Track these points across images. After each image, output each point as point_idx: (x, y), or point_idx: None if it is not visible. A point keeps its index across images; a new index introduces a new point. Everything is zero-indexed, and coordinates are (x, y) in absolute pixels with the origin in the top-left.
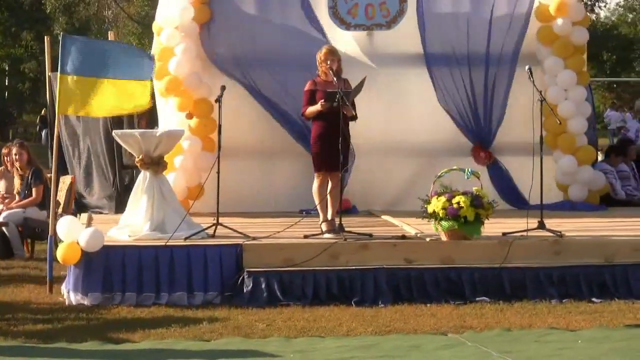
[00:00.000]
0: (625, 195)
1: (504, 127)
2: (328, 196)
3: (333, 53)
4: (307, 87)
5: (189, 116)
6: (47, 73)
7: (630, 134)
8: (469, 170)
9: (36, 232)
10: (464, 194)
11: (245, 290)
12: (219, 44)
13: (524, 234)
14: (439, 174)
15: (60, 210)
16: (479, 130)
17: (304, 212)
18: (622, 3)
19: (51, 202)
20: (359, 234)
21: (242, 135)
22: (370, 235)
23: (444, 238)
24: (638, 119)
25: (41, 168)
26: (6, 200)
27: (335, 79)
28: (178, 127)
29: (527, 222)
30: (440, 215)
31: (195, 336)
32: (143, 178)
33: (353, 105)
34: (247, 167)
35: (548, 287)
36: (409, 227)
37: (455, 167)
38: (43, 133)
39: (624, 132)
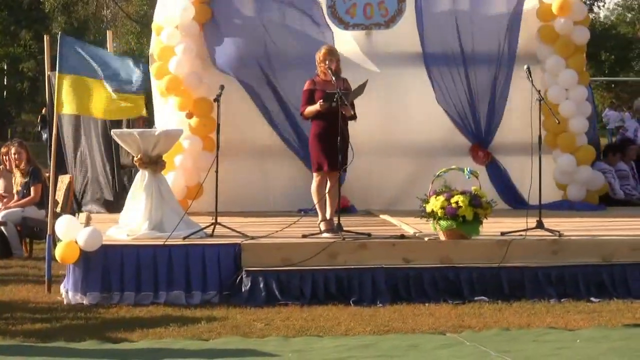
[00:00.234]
0: (624, 194)
1: (502, 126)
2: (327, 195)
3: (332, 53)
4: (306, 86)
5: (189, 115)
6: (47, 72)
7: (629, 134)
8: (468, 169)
9: (35, 231)
10: (463, 193)
11: (243, 290)
12: (219, 43)
13: (523, 233)
14: (437, 174)
15: (58, 209)
16: (478, 130)
17: (302, 212)
18: (620, 2)
19: (49, 202)
20: (357, 233)
21: (241, 135)
22: (369, 234)
23: (442, 238)
24: (637, 118)
25: (40, 167)
26: (5, 200)
27: (334, 78)
28: (177, 127)
29: (527, 222)
30: (439, 214)
31: (194, 335)
32: (141, 177)
33: (352, 105)
34: (246, 166)
35: (546, 287)
36: (408, 226)
37: (453, 167)
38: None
39: (622, 131)
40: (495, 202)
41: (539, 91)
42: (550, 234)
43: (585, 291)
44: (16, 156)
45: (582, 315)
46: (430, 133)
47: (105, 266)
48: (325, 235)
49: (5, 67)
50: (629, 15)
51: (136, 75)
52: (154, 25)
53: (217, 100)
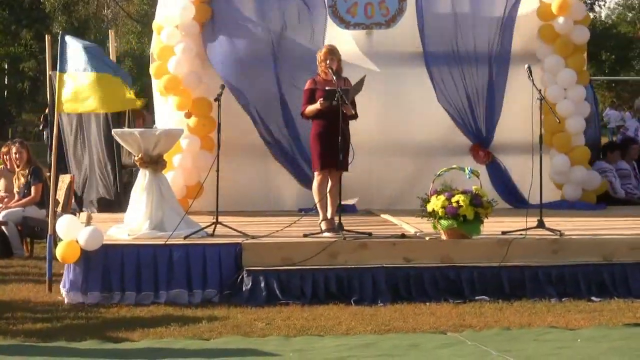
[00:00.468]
0: (625, 194)
1: (503, 126)
2: (327, 195)
3: (333, 52)
4: (307, 86)
5: (188, 115)
6: (48, 72)
7: (630, 133)
8: (469, 169)
9: (35, 231)
10: (464, 192)
11: (244, 289)
12: (219, 43)
13: (523, 233)
14: (438, 173)
15: (59, 209)
16: (478, 130)
17: (303, 212)
18: (621, 2)
19: (50, 201)
20: (358, 232)
21: (241, 134)
22: (370, 234)
23: (443, 237)
24: (637, 117)
25: (40, 167)
26: (5, 200)
27: (334, 78)
28: (177, 126)
29: (527, 221)
30: (440, 214)
31: (195, 335)
32: (142, 177)
33: (353, 103)
34: (247, 166)
35: (547, 286)
36: (409, 226)
37: (454, 166)
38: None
39: (623, 131)
40: (496, 201)
41: (539, 90)
42: (550, 233)
43: (586, 290)
44: (17, 156)
45: (583, 315)
46: (431, 132)
47: (105, 266)
48: (326, 234)
49: (6, 67)
50: (630, 14)
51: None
52: (154, 25)
53: (217, 99)
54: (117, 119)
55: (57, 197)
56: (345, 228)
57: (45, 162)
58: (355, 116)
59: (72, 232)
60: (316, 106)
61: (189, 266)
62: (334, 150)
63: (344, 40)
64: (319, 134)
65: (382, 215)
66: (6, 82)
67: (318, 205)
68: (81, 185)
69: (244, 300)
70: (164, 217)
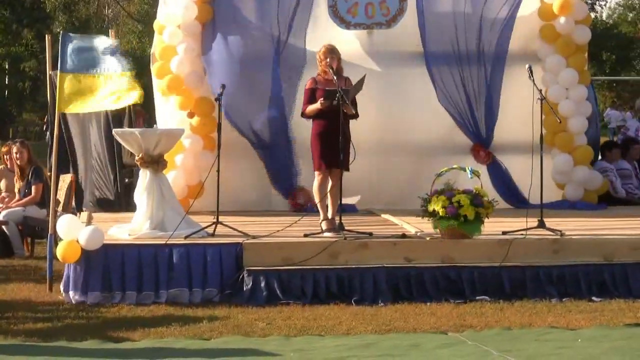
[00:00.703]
0: (626, 193)
1: (503, 126)
2: (328, 194)
3: (332, 51)
4: (307, 85)
5: (190, 115)
6: (48, 72)
7: (630, 133)
8: (470, 168)
9: (36, 230)
10: (464, 192)
11: (245, 289)
12: (219, 43)
13: (524, 233)
14: (439, 173)
15: (60, 208)
16: (479, 129)
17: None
18: (621, 2)
19: (51, 201)
20: (359, 232)
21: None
22: (370, 234)
23: (444, 237)
24: (638, 117)
25: (41, 167)
26: (6, 200)
27: (335, 77)
28: (178, 126)
29: (527, 221)
30: (440, 214)
31: (195, 335)
32: (143, 176)
33: (354, 103)
34: (248, 166)
35: (548, 286)
36: (409, 225)
37: (455, 166)
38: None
39: (623, 130)
40: (496, 201)
41: (540, 90)
42: (551, 233)
43: (587, 290)
44: (18, 155)
45: (584, 315)
46: (432, 132)
47: (106, 265)
48: (326, 234)
49: (7, 67)
50: (630, 14)
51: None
52: (156, 24)
53: (218, 99)
54: (117, 118)
55: (57, 196)
56: (346, 228)
57: (46, 162)
58: (356, 115)
59: (73, 231)
60: (317, 106)
61: (189, 266)
62: (334, 150)
63: (345, 40)
64: (319, 134)
65: (383, 215)
66: (7, 82)
67: (318, 205)
68: (83, 185)
69: (244, 300)
70: (164, 217)
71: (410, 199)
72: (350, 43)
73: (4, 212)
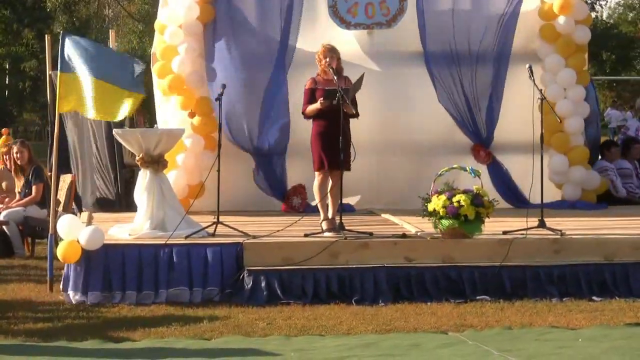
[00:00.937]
0: (627, 193)
1: (504, 125)
2: (328, 194)
3: (331, 51)
4: (307, 85)
5: (192, 115)
6: (48, 72)
7: (630, 132)
8: (470, 168)
9: (36, 230)
10: (465, 192)
11: (245, 289)
12: (220, 43)
13: (524, 232)
14: (439, 173)
15: (60, 208)
16: (479, 129)
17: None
18: (621, 2)
19: (51, 201)
20: (359, 232)
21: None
22: (371, 233)
23: (444, 237)
24: (638, 117)
25: (42, 167)
26: (6, 199)
27: (335, 77)
28: (179, 126)
29: (528, 221)
30: (441, 213)
31: (196, 335)
32: (143, 176)
33: (354, 102)
34: (248, 165)
35: (548, 286)
36: (410, 225)
37: (455, 166)
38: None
39: (624, 130)
40: (497, 201)
41: (540, 90)
42: (552, 233)
43: (587, 290)
44: (18, 155)
45: (584, 314)
46: (432, 132)
47: (106, 265)
48: (327, 234)
49: (7, 67)
50: (631, 14)
51: (136, 71)
52: (157, 24)
53: (218, 99)
54: None
55: (58, 196)
56: (346, 228)
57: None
58: (356, 115)
59: (73, 231)
60: (317, 106)
61: (189, 266)
62: (334, 149)
63: (345, 40)
64: (319, 134)
65: (383, 215)
66: (7, 82)
67: (319, 205)
68: (84, 185)
69: (245, 300)
70: (164, 216)
71: (411, 199)
72: (350, 43)
73: (4, 212)
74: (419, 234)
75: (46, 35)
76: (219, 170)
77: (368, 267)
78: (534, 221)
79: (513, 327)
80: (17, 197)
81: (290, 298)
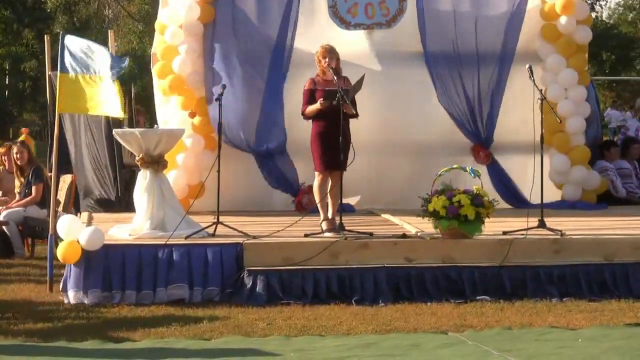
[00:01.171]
0: (627, 193)
1: (504, 126)
2: (328, 195)
3: (330, 51)
4: (306, 86)
5: (192, 115)
6: (47, 72)
7: (630, 133)
8: (470, 168)
9: (36, 230)
10: (465, 192)
11: (245, 289)
12: (221, 44)
13: (524, 232)
14: (439, 173)
15: (60, 209)
16: (479, 130)
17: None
18: (621, 2)
19: (51, 201)
20: (359, 232)
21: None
22: (371, 234)
23: (444, 237)
24: (638, 117)
25: (42, 167)
26: (5, 199)
27: (335, 77)
28: (179, 126)
29: (528, 221)
30: (441, 213)
31: (196, 335)
32: (143, 177)
33: (353, 102)
34: (248, 165)
35: (548, 286)
36: (410, 225)
37: (455, 166)
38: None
39: (624, 130)
40: (497, 201)
41: (540, 90)
42: (552, 233)
43: (587, 290)
44: (18, 156)
45: (584, 315)
46: (432, 132)
47: (106, 266)
48: (327, 234)
49: (7, 67)
50: (631, 14)
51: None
52: (157, 24)
53: (218, 99)
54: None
55: (58, 197)
56: (347, 228)
57: (46, 163)
58: (355, 115)
59: (73, 232)
60: (316, 106)
61: (190, 266)
62: (334, 150)
63: (345, 41)
64: (319, 134)
65: (383, 215)
66: (7, 82)
67: (319, 206)
68: (84, 185)
69: (245, 300)
70: (164, 217)
71: (411, 199)
72: (350, 43)
73: (4, 212)
74: (419, 234)
75: (46, 36)
76: (219, 171)
77: (368, 267)
78: (534, 221)
79: (513, 327)
80: (17, 197)
81: (290, 298)
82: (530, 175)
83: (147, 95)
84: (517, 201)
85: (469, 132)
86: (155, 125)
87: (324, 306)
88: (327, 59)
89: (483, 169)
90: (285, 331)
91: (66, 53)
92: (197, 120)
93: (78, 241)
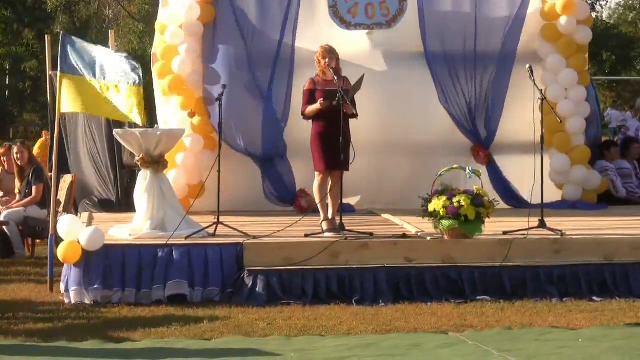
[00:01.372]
0: (627, 193)
1: (504, 126)
2: (328, 195)
3: (330, 52)
4: (306, 86)
5: (192, 114)
6: (48, 72)
7: (630, 133)
8: (470, 168)
9: (37, 231)
10: (465, 192)
11: (245, 289)
12: (221, 44)
13: (525, 232)
14: (439, 173)
15: (60, 209)
16: (479, 130)
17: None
18: (622, 2)
19: (52, 201)
20: (359, 232)
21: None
22: (371, 234)
23: (444, 237)
24: (638, 117)
25: (42, 167)
26: (5, 199)
27: (335, 77)
28: (179, 126)
29: (528, 221)
30: (441, 214)
31: (196, 335)
32: (143, 177)
33: (353, 102)
34: (248, 165)
35: (548, 286)
36: (410, 225)
37: (455, 166)
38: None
39: (624, 130)
40: (497, 201)
41: (541, 90)
42: (552, 233)
43: (587, 290)
44: (18, 156)
45: (584, 315)
46: (432, 133)
47: (107, 266)
48: (327, 234)
49: (8, 67)
50: (631, 15)
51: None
52: (157, 24)
53: (218, 99)
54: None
55: (58, 197)
56: (347, 228)
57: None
58: (355, 115)
59: (74, 232)
60: (316, 106)
61: (190, 266)
62: (335, 150)
63: (345, 41)
64: (319, 134)
65: (383, 215)
66: (7, 82)
67: (319, 206)
68: (83, 185)
69: (245, 300)
70: (165, 217)
71: (411, 199)
72: (350, 43)
73: (4, 213)
74: (419, 234)
75: (46, 36)
76: (219, 171)
77: (368, 268)
78: (534, 221)
79: (513, 327)
80: (17, 197)
81: (291, 298)
82: (530, 175)
83: (147, 95)
84: (517, 201)
85: (469, 133)
86: (156, 125)
87: (324, 306)
88: (327, 59)
89: (483, 169)
90: (285, 331)
91: (71, 54)
92: (196, 120)
93: (78, 241)
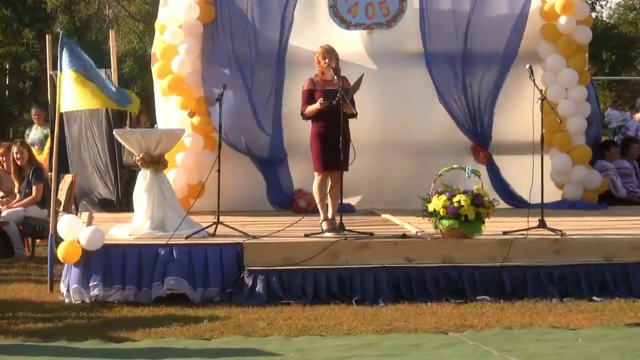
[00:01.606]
0: (627, 193)
1: (504, 126)
2: (328, 195)
3: (330, 52)
4: (305, 86)
5: (191, 114)
6: (48, 72)
7: (630, 133)
8: (470, 168)
9: (37, 230)
10: (465, 192)
11: (245, 289)
12: (221, 44)
13: (525, 232)
14: (439, 173)
15: (60, 209)
16: (479, 130)
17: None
18: (622, 2)
19: (52, 201)
20: (359, 232)
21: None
22: (371, 234)
23: (444, 237)
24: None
25: (42, 167)
26: (5, 199)
27: (335, 77)
28: (179, 126)
29: (528, 221)
30: (441, 213)
31: (196, 335)
32: (143, 177)
33: (353, 102)
34: (248, 165)
35: (548, 286)
36: (410, 225)
37: (455, 166)
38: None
39: (624, 130)
40: (497, 201)
41: (541, 90)
42: (552, 233)
43: (587, 290)
44: (18, 156)
45: (584, 315)
46: (432, 132)
47: (107, 265)
48: (327, 234)
49: (7, 67)
50: (631, 14)
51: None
52: (157, 24)
53: (218, 99)
54: (119, 118)
55: (58, 197)
56: (347, 228)
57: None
58: (355, 115)
59: (74, 232)
60: (316, 106)
61: (190, 266)
62: (334, 150)
63: (345, 41)
64: (319, 134)
65: (383, 215)
66: (7, 82)
67: (319, 206)
68: (83, 185)
69: (245, 300)
70: (165, 217)
71: (411, 199)
72: (350, 43)
73: (4, 212)
74: (419, 234)
75: (46, 35)
76: (219, 171)
77: (368, 267)
78: (534, 221)
79: (513, 327)
80: (17, 197)
81: (291, 298)
82: (530, 175)
83: (147, 95)
84: (517, 201)
85: (469, 132)
86: (156, 125)
87: (324, 306)
88: (326, 60)
89: (483, 169)
90: (285, 331)
91: (68, 52)
92: (196, 119)
93: (78, 241)
